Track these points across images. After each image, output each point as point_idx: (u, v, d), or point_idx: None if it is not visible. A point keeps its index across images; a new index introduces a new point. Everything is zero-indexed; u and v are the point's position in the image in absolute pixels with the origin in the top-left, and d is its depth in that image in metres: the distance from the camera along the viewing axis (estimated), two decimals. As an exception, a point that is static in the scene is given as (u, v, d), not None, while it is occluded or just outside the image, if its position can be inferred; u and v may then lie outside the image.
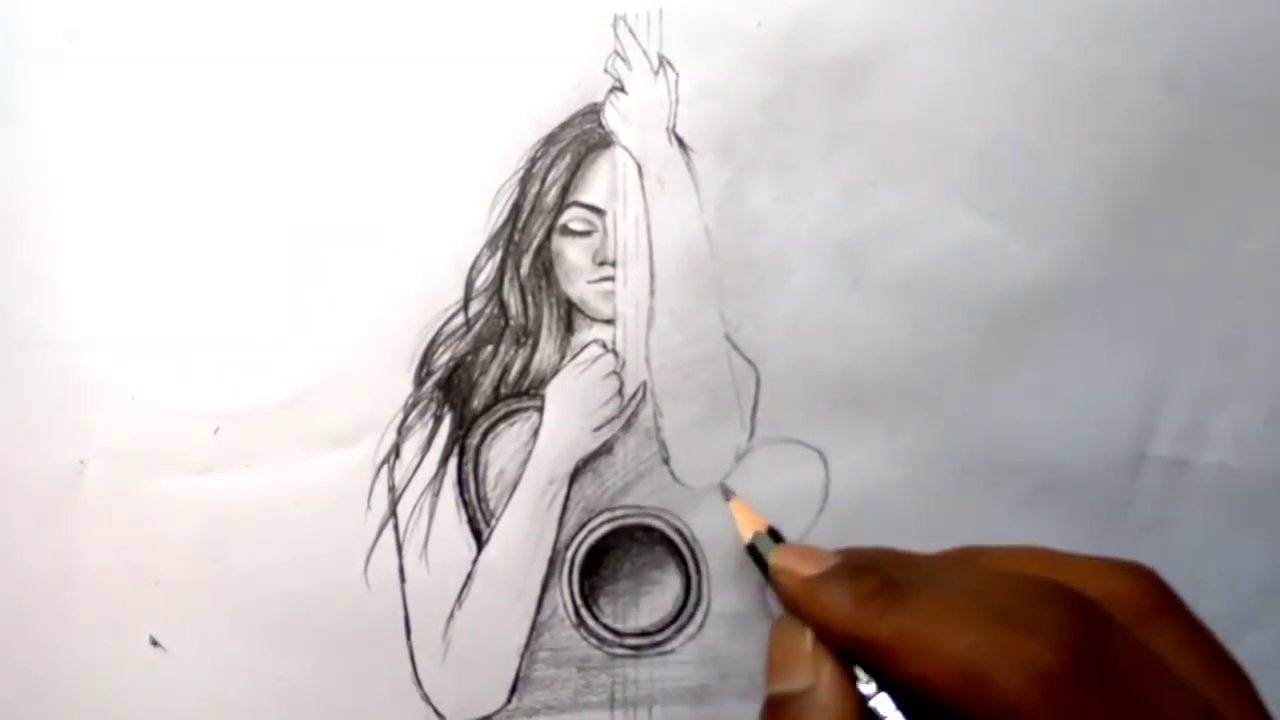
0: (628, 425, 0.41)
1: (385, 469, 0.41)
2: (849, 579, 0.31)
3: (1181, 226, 0.40)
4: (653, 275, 0.41)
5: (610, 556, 0.41)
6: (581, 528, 0.41)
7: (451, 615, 0.41)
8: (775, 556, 0.34)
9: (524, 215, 0.40)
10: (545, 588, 0.41)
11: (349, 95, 0.40)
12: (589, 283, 0.41)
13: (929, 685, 0.27)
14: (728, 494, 0.40)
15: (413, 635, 0.41)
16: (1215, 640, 0.29)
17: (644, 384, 0.41)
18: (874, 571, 0.31)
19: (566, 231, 0.41)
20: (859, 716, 0.30)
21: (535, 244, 0.41)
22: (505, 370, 0.41)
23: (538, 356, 0.41)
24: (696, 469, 0.41)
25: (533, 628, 0.41)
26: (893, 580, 0.30)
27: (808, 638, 0.31)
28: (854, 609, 0.30)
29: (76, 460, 0.40)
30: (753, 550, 0.36)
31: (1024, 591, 0.29)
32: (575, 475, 0.41)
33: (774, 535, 0.36)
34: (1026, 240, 0.40)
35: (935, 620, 0.28)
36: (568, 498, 0.41)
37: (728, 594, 0.41)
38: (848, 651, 0.30)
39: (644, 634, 0.41)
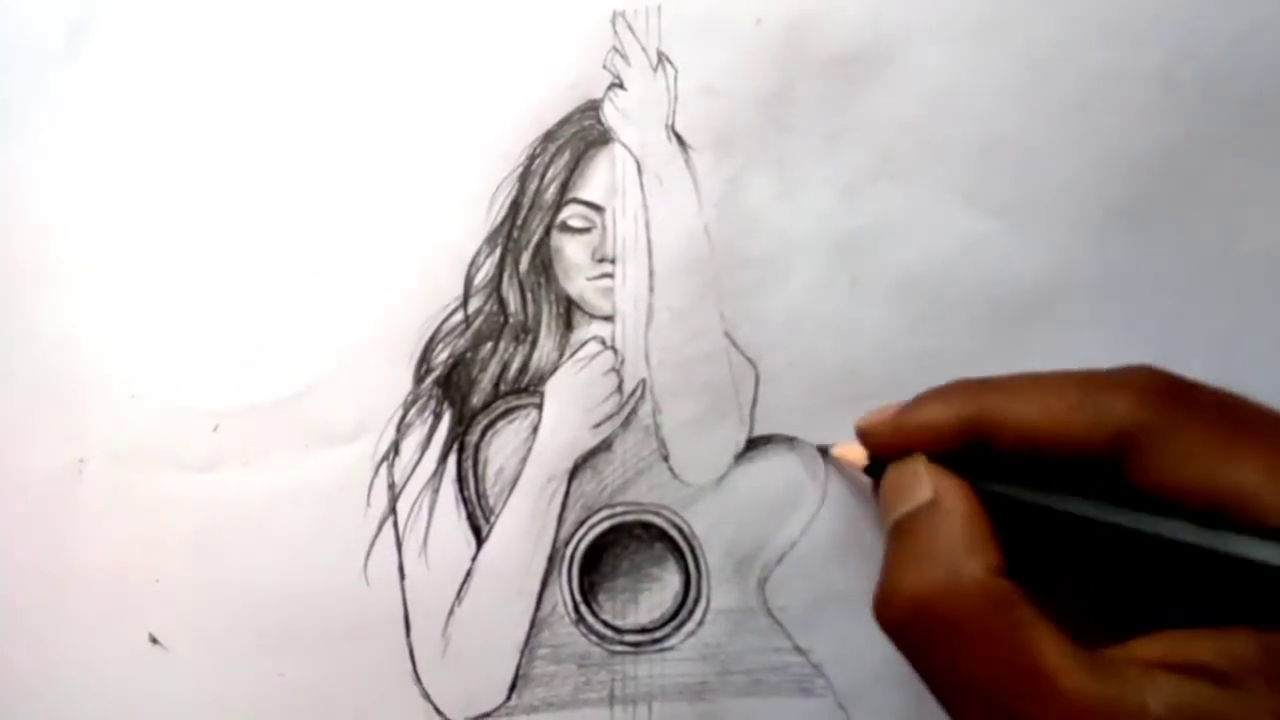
0: (627, 422, 0.41)
1: (385, 466, 0.41)
2: (935, 391, 0.34)
3: (1179, 225, 0.40)
4: (652, 272, 0.41)
5: (609, 553, 0.42)
6: (581, 524, 0.41)
7: (451, 612, 0.41)
8: (861, 422, 0.36)
9: (523, 212, 0.40)
10: (545, 585, 0.41)
11: (348, 92, 0.40)
12: (588, 280, 0.41)
13: (1044, 432, 0.30)
14: (825, 450, 0.40)
15: (412, 632, 0.41)
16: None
17: (643, 381, 0.41)
18: (952, 383, 0.34)
19: (565, 228, 0.41)
20: (983, 512, 0.31)
21: (534, 241, 0.41)
22: (504, 367, 0.41)
23: (537, 353, 0.41)
24: (695, 466, 0.41)
25: (532, 624, 0.41)
26: (974, 380, 0.33)
27: (920, 460, 0.33)
28: (957, 403, 0.33)
29: (76, 458, 0.40)
30: (873, 466, 0.37)
31: (1095, 370, 0.32)
32: (574, 472, 0.41)
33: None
34: (1025, 239, 0.40)
35: (1033, 384, 0.32)
36: (567, 495, 0.41)
37: (727, 590, 0.41)
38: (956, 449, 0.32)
39: (643, 630, 0.41)
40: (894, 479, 0.34)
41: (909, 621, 0.30)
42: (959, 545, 0.30)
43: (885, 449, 0.35)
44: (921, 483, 0.32)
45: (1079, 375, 0.31)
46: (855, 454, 0.37)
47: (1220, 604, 0.28)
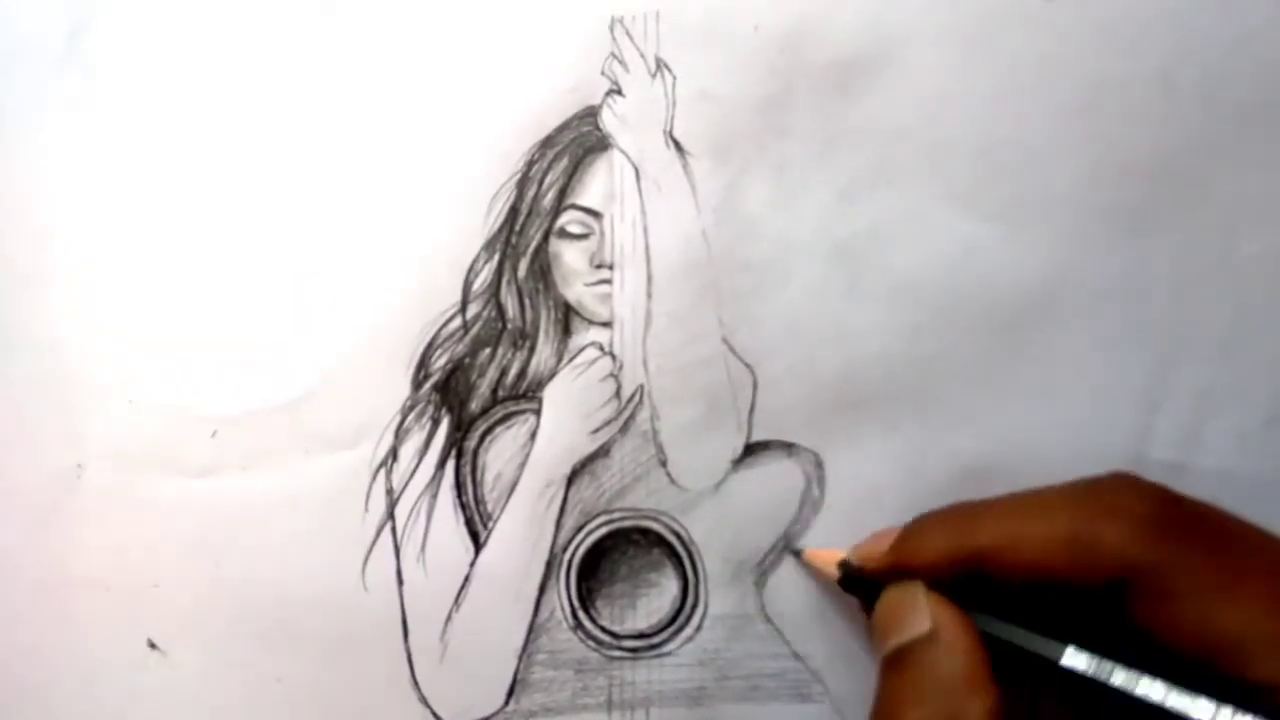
0: (625, 428, 0.41)
1: (383, 472, 0.41)
2: (929, 519, 0.34)
3: (1178, 229, 0.40)
4: (650, 278, 0.41)
5: (607, 559, 0.41)
6: (579, 530, 0.41)
7: (449, 617, 0.41)
8: (853, 554, 0.36)
9: (521, 218, 0.41)
10: (543, 590, 0.41)
11: (347, 98, 0.40)
12: (586, 285, 0.41)
13: (1041, 566, 0.30)
14: (797, 553, 0.40)
15: (410, 637, 0.41)
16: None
17: (641, 387, 0.41)
18: (948, 509, 0.34)
19: (564, 234, 0.41)
20: (983, 648, 0.31)
21: (532, 247, 0.41)
22: (503, 373, 0.41)
23: (535, 359, 0.41)
24: (693, 471, 0.41)
25: (530, 630, 0.41)
26: (968, 501, 0.33)
27: (919, 589, 0.32)
28: (950, 535, 0.32)
29: (74, 464, 0.40)
30: (847, 579, 0.37)
31: (1090, 482, 0.31)
32: (573, 478, 0.41)
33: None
34: (1023, 243, 0.40)
35: (1028, 511, 0.31)
36: (565, 500, 0.41)
37: (725, 596, 0.41)
38: (954, 581, 0.32)
39: (641, 636, 0.41)
40: (891, 604, 0.33)
41: None
42: (959, 684, 0.30)
43: (881, 578, 0.35)
44: (920, 613, 0.32)
45: (1075, 495, 0.31)
46: (828, 560, 0.38)
47: None
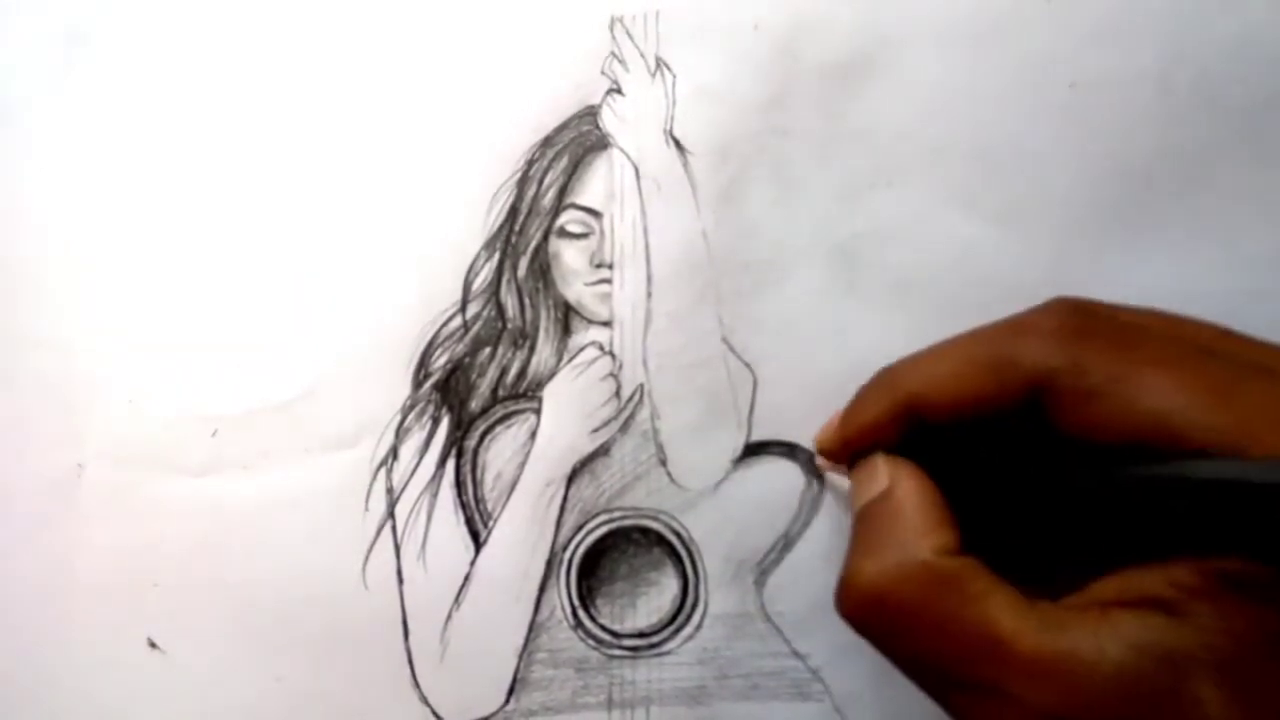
0: (625, 427, 0.41)
1: (383, 471, 0.41)
2: (865, 388, 0.36)
3: (1177, 230, 0.40)
4: (650, 278, 0.41)
5: (608, 558, 0.42)
6: (579, 529, 0.41)
7: (449, 616, 0.41)
8: (816, 440, 0.38)
9: (521, 217, 0.41)
10: (543, 589, 0.41)
11: (347, 98, 0.40)
12: (586, 285, 0.41)
13: (964, 396, 0.31)
14: (820, 473, 0.41)
15: (411, 636, 0.41)
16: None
17: (641, 386, 0.41)
18: (878, 372, 0.35)
19: (564, 234, 0.41)
20: (936, 493, 0.32)
21: (532, 246, 0.41)
22: (503, 372, 0.41)
23: (535, 358, 0.41)
24: (693, 471, 0.41)
25: (530, 629, 0.41)
26: (897, 362, 0.35)
27: (877, 454, 0.34)
28: (881, 393, 0.34)
29: (74, 463, 0.40)
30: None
31: (1010, 316, 0.33)
32: (573, 477, 0.41)
33: None
34: (1022, 243, 0.40)
35: (946, 352, 0.33)
36: (565, 499, 0.41)
37: (725, 595, 0.41)
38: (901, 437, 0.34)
39: (641, 635, 0.41)
40: (857, 474, 0.35)
41: (867, 610, 0.31)
42: (909, 530, 0.31)
43: (841, 456, 0.36)
44: (878, 473, 0.34)
45: (990, 329, 0.32)
46: (826, 428, 0.39)
47: (1165, 536, 0.28)
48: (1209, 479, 0.27)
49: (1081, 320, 0.31)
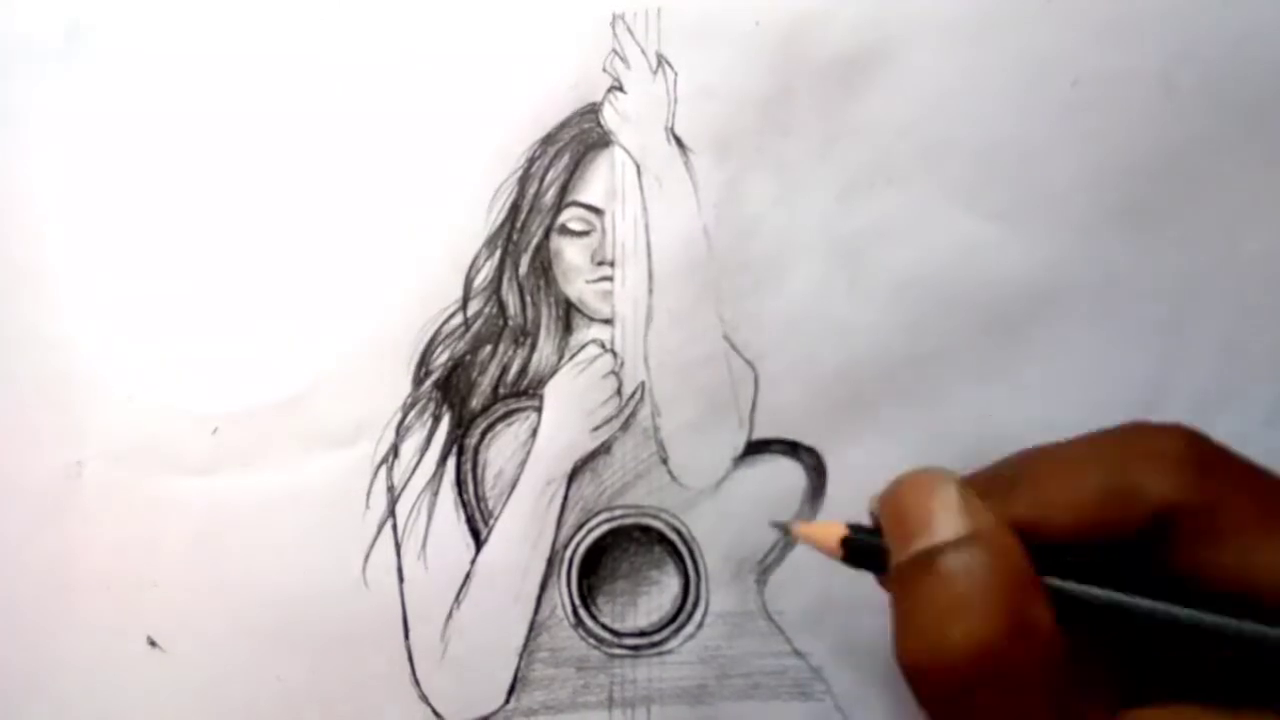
0: (626, 425, 0.41)
1: (384, 469, 0.41)
2: (959, 481, 0.29)
3: (1179, 227, 0.40)
4: (651, 275, 0.41)
5: (608, 556, 0.41)
6: (580, 528, 0.41)
7: (450, 615, 0.41)
8: (874, 501, 0.31)
9: (522, 215, 0.40)
10: (544, 588, 0.41)
11: (347, 94, 0.40)
12: (587, 282, 0.41)
13: (1079, 528, 0.27)
14: (787, 530, 0.35)
15: (411, 635, 0.41)
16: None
17: (642, 384, 0.41)
18: (975, 479, 0.30)
19: (565, 231, 0.41)
20: (1031, 563, 0.27)
21: (534, 244, 0.41)
22: (504, 370, 0.41)
23: (536, 356, 0.41)
24: (695, 469, 0.41)
25: (531, 628, 0.41)
26: (992, 472, 0.30)
27: (951, 485, 0.28)
28: (980, 499, 0.28)
29: (74, 461, 0.40)
30: (855, 549, 0.31)
31: (1114, 433, 0.29)
32: (574, 475, 0.41)
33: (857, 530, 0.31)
34: (1024, 241, 0.40)
35: (1058, 475, 0.28)
36: (566, 497, 0.41)
37: (726, 594, 0.41)
38: None
39: (642, 634, 0.41)
40: (911, 500, 0.29)
41: (968, 674, 0.26)
42: (1024, 586, 0.26)
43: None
44: (953, 513, 0.27)
45: (1108, 446, 0.28)
46: (825, 534, 0.32)
47: (1239, 685, 0.27)
48: None
49: (1210, 456, 0.28)
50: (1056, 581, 0.28)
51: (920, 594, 0.27)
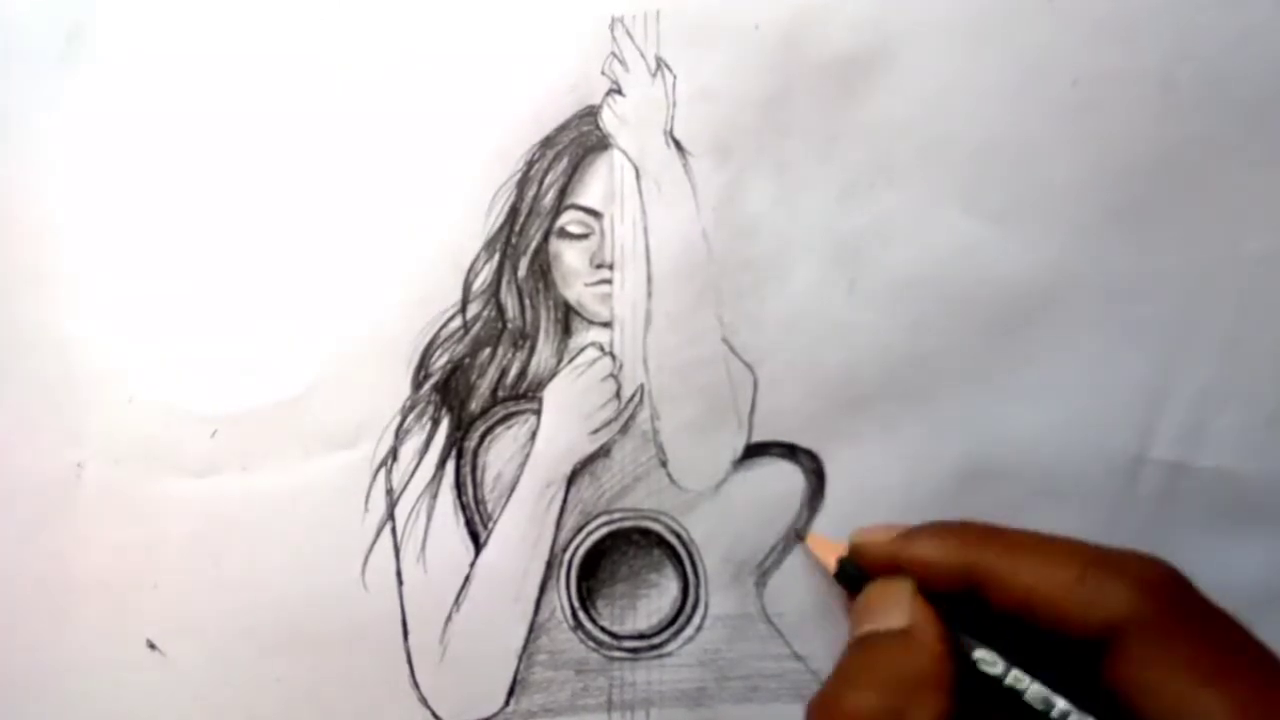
0: (625, 428, 0.41)
1: (383, 471, 0.41)
2: (941, 526, 0.34)
3: (1179, 227, 0.40)
4: (650, 278, 0.41)
5: (608, 559, 0.41)
6: (579, 530, 0.41)
7: (449, 617, 0.41)
8: (856, 535, 0.35)
9: (521, 218, 0.41)
10: (543, 590, 0.41)
11: (347, 97, 0.40)
12: (586, 285, 0.41)
13: (1037, 601, 0.30)
14: (801, 535, 0.41)
15: (410, 637, 0.41)
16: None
17: (641, 387, 0.41)
18: (960, 521, 0.33)
19: (564, 234, 0.41)
20: (952, 656, 0.31)
21: (533, 247, 0.41)
22: (503, 373, 0.41)
23: (535, 359, 0.41)
24: (694, 472, 0.41)
25: (530, 630, 0.41)
26: (983, 524, 0.33)
27: (908, 585, 0.33)
28: (957, 546, 0.32)
29: (74, 463, 0.40)
30: (843, 570, 0.36)
31: (1107, 547, 0.31)
32: (573, 478, 0.41)
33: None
34: (1024, 241, 0.40)
35: (1042, 547, 0.31)
36: (565, 500, 0.41)
37: (725, 596, 0.41)
38: (941, 595, 0.32)
39: (641, 636, 0.41)
40: (876, 594, 0.33)
41: None
42: (913, 685, 0.30)
43: (876, 569, 0.35)
44: (901, 608, 0.32)
45: (1086, 548, 0.31)
46: (827, 550, 0.37)
47: None
48: None
49: (1177, 588, 0.30)
50: (989, 660, 0.31)
51: (846, 662, 0.32)
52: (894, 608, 0.32)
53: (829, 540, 0.38)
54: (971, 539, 0.32)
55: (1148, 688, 0.28)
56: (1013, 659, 0.31)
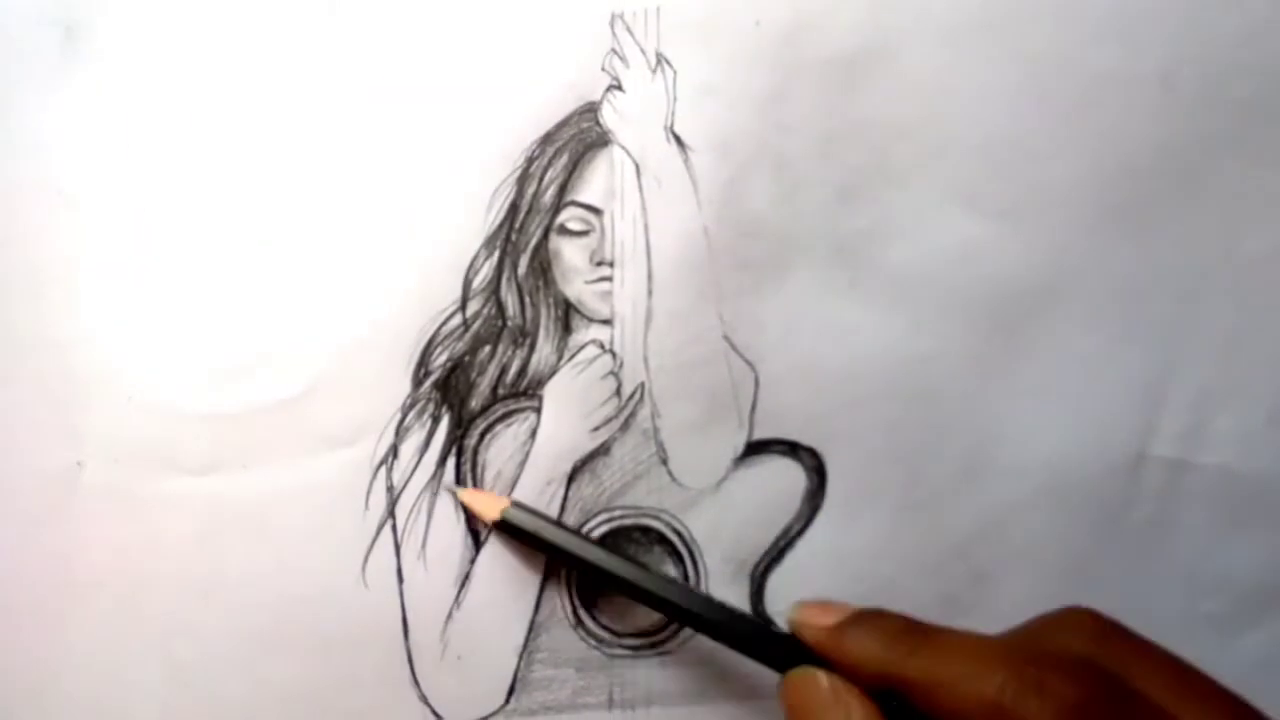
0: (625, 426, 0.41)
1: (383, 469, 0.41)
2: (874, 621, 0.33)
3: (1179, 226, 0.40)
4: (650, 275, 0.41)
5: (608, 557, 0.41)
6: (579, 528, 0.41)
7: (450, 616, 0.41)
8: (795, 611, 0.35)
9: (521, 215, 0.40)
10: (543, 588, 0.41)
11: (346, 95, 0.40)
12: (586, 283, 0.41)
13: (955, 716, 0.29)
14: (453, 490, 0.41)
15: (411, 636, 0.41)
16: (1167, 652, 0.31)
17: (642, 384, 0.41)
18: (897, 616, 0.33)
19: (564, 231, 0.41)
20: None
21: (533, 244, 0.41)
22: (503, 371, 0.41)
23: (535, 357, 0.41)
24: (694, 470, 0.41)
25: (531, 628, 0.41)
26: (917, 622, 0.33)
27: (823, 680, 0.33)
28: (884, 648, 0.32)
29: (74, 462, 0.40)
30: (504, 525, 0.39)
31: (1033, 639, 0.32)
32: (573, 476, 0.41)
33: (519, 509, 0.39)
34: (1024, 240, 0.40)
35: (966, 656, 0.30)
36: (565, 498, 0.41)
37: (725, 594, 0.41)
38: (875, 689, 0.32)
39: (642, 635, 0.41)
40: (798, 685, 0.34)
41: None
42: None
43: (813, 647, 0.35)
44: (830, 706, 0.33)
45: (1012, 660, 0.30)
46: (488, 504, 0.40)
47: None
48: None
49: (1103, 707, 0.29)
50: None
51: None
52: (822, 707, 0.33)
53: (486, 494, 0.40)
54: (900, 643, 0.32)
55: None
56: None
